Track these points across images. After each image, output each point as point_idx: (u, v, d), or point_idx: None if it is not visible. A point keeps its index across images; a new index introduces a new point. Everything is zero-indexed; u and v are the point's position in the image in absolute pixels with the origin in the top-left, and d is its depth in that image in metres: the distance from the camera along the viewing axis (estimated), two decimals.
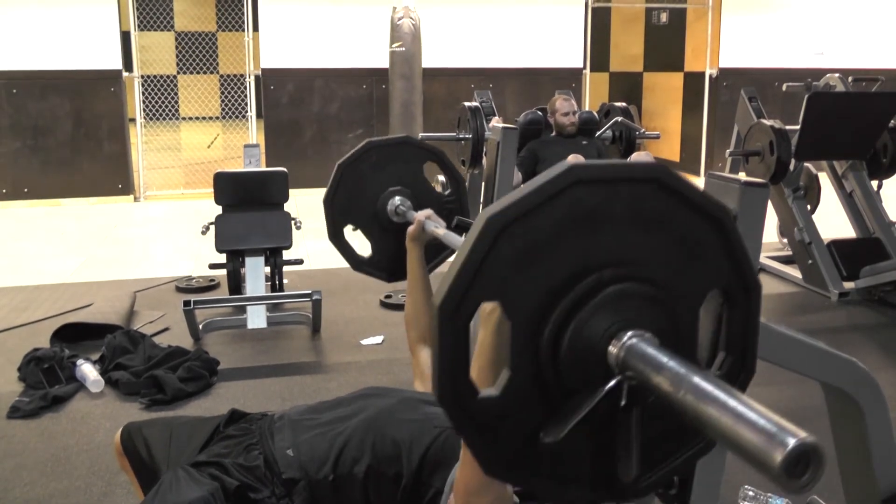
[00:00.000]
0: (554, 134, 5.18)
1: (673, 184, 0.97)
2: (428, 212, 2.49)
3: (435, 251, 2.65)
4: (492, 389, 0.96)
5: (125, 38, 8.55)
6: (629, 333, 0.93)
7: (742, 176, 1.85)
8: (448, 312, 0.91)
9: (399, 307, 4.69)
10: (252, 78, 9.00)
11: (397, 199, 2.64)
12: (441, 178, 4.56)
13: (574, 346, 0.95)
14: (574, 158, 4.58)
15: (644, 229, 0.98)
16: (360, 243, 2.80)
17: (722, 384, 0.84)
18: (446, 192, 2.77)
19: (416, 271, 2.50)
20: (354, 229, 2.72)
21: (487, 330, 1.36)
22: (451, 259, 0.98)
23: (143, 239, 6.89)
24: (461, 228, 2.84)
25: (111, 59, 8.36)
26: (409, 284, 2.52)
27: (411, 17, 8.14)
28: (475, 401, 0.95)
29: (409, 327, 2.52)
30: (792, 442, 0.76)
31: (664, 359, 0.89)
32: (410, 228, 2.49)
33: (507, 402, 0.96)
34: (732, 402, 0.81)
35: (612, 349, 0.94)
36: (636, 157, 4.85)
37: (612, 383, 0.94)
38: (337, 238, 2.69)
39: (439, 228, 2.40)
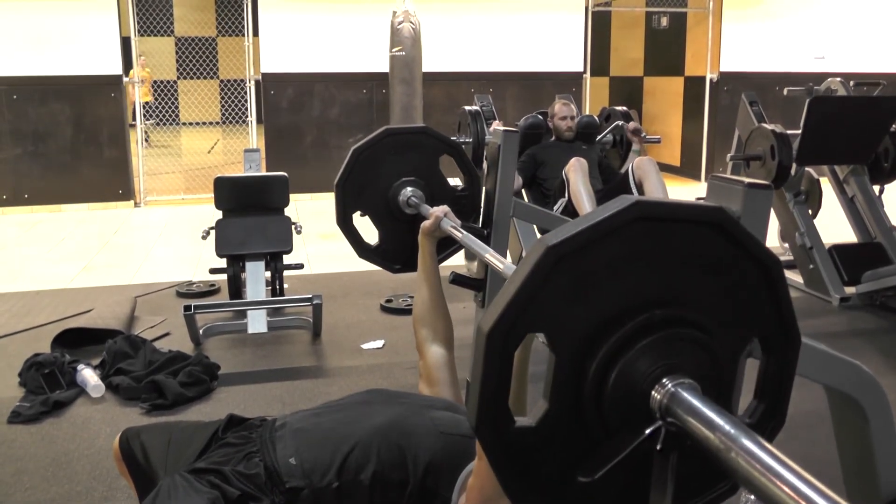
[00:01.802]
0: (553, 139, 5.16)
1: (732, 229, 0.96)
2: (445, 208, 2.43)
3: (442, 245, 2.60)
4: (527, 419, 0.95)
5: (125, 43, 8.56)
6: (674, 380, 0.93)
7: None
8: (496, 341, 0.90)
9: (399, 311, 4.69)
10: (252, 83, 9.00)
11: (410, 190, 2.60)
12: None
13: (619, 386, 0.94)
14: (577, 162, 4.58)
15: (696, 271, 0.97)
16: (367, 231, 2.78)
17: (772, 451, 0.85)
18: (460, 188, 2.74)
19: (427, 267, 2.44)
20: (363, 215, 2.69)
21: (524, 357, 1.34)
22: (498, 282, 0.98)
23: (143, 244, 6.89)
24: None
25: (111, 65, 8.36)
26: (419, 280, 2.46)
27: (411, 22, 8.14)
28: (511, 430, 0.94)
29: (417, 325, 2.43)
30: None
31: (711, 414, 0.89)
32: (426, 223, 2.42)
33: (542, 435, 0.95)
34: (788, 476, 0.84)
35: (656, 394, 0.93)
36: (638, 162, 4.81)
37: (652, 427, 0.94)
38: (345, 223, 2.66)
39: (456, 230, 2.35)
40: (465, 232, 2.33)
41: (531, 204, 4.73)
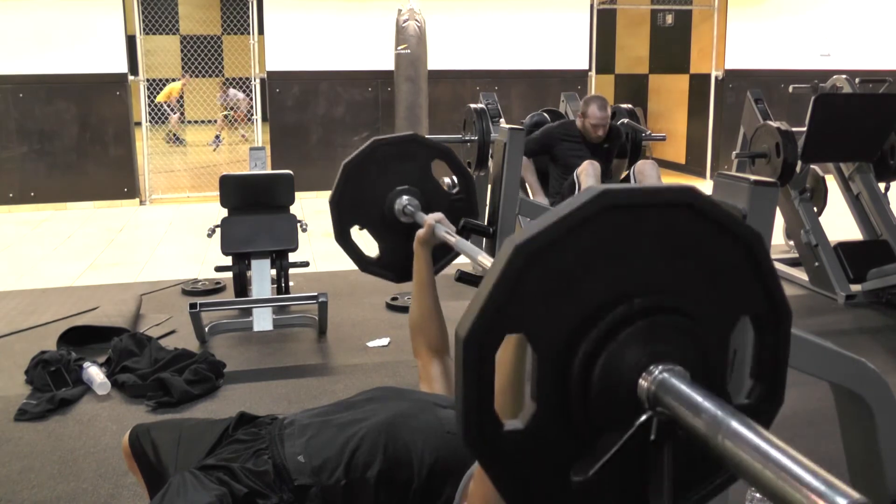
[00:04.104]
0: (580, 129, 4.97)
1: (704, 207, 0.94)
2: (438, 215, 2.43)
3: (441, 252, 2.60)
4: (516, 422, 0.94)
5: (131, 42, 8.57)
6: (660, 367, 0.91)
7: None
8: (473, 347, 0.88)
9: (405, 309, 4.68)
10: (257, 81, 9.01)
11: (405, 199, 2.60)
12: (447, 180, 4.55)
13: (604, 380, 0.92)
14: (590, 166, 4.56)
15: (674, 255, 0.95)
16: (367, 243, 2.79)
17: (761, 431, 0.82)
18: (454, 191, 2.74)
19: (423, 275, 2.45)
20: (361, 229, 2.69)
21: (506, 356, 1.33)
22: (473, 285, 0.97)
23: (148, 242, 6.90)
24: (468, 231, 2.83)
25: (117, 63, 8.38)
26: (415, 288, 2.47)
27: (416, 20, 8.14)
28: (500, 434, 0.92)
29: (414, 333, 2.46)
30: (844, 503, 0.73)
31: (698, 398, 0.87)
32: (420, 232, 2.43)
33: (533, 436, 0.94)
34: (776, 455, 0.80)
35: (643, 382, 0.91)
36: (641, 165, 4.80)
37: (643, 418, 0.92)
38: (343, 239, 2.66)
39: (451, 235, 2.35)
40: (459, 237, 2.33)
41: (538, 201, 4.73)
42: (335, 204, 2.60)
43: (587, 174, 4.59)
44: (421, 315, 2.42)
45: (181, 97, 14.34)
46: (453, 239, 2.29)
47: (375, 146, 2.60)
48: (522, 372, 1.30)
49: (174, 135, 13.93)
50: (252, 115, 13.55)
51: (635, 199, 0.92)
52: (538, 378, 0.93)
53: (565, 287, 0.91)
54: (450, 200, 2.69)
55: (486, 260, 1.98)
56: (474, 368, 0.89)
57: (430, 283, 2.45)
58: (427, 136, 5.42)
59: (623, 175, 5.07)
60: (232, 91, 14.44)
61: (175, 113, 13.76)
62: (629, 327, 0.92)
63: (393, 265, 2.67)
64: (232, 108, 13.95)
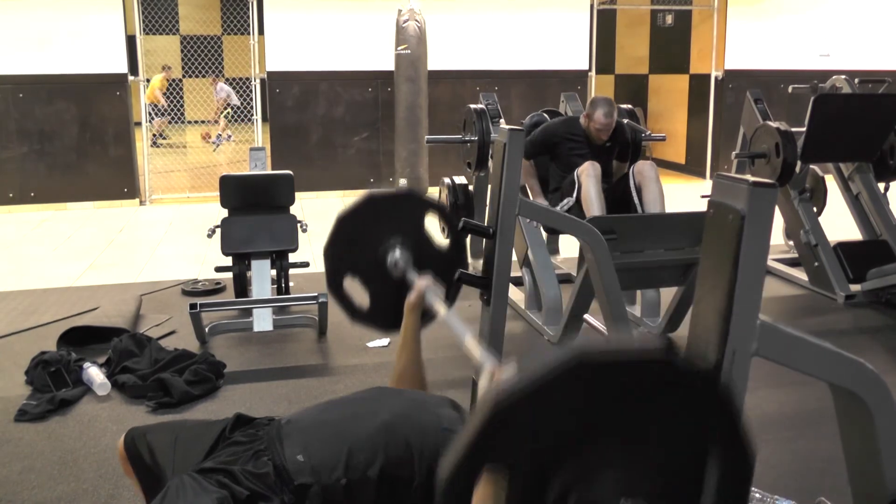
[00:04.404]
0: (584, 127, 4.92)
1: (673, 369, 1.00)
2: (428, 280, 2.45)
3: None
4: None
5: (131, 42, 8.57)
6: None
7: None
8: (453, 490, 0.97)
9: None
10: (257, 81, 9.01)
11: (397, 253, 2.61)
12: (446, 180, 4.56)
13: None
14: (591, 167, 4.55)
15: (643, 406, 1.00)
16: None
17: None
18: (445, 245, 2.74)
19: (409, 336, 2.47)
20: (353, 279, 2.69)
21: (482, 494, 1.38)
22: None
23: (148, 242, 6.90)
24: (467, 231, 2.83)
25: (116, 63, 8.38)
26: (400, 345, 2.49)
27: (416, 20, 8.14)
28: None
29: (394, 383, 2.47)
30: None
31: None
32: (410, 297, 2.45)
33: None
34: None
35: None
36: (640, 165, 4.80)
37: None
38: (335, 289, 2.67)
39: (439, 304, 2.35)
40: (448, 310, 2.33)
41: (538, 202, 4.73)
42: (328, 254, 2.62)
43: (588, 175, 4.58)
44: (403, 370, 2.45)
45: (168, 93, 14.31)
46: (442, 310, 2.29)
47: (370, 199, 2.62)
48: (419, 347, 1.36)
49: (160, 135, 13.83)
50: (231, 104, 13.58)
51: (607, 363, 0.98)
52: None
53: (539, 435, 0.98)
54: (441, 256, 2.70)
55: (472, 344, 1.98)
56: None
57: (416, 344, 2.48)
58: (426, 140, 5.43)
59: (622, 173, 5.05)
60: (220, 85, 14.46)
61: (160, 117, 13.69)
62: (600, 472, 0.99)
63: (383, 317, 2.68)
64: (228, 106, 13.97)
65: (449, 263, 2.71)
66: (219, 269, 4.87)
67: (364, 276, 2.65)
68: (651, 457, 1.00)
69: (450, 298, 2.66)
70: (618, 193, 4.77)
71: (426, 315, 2.53)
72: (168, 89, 14.25)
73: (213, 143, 13.63)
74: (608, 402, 0.98)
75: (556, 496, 0.97)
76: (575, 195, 4.68)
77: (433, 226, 2.71)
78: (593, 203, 4.51)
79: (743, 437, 1.06)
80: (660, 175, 4.79)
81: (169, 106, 13.32)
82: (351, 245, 2.60)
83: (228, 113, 13.81)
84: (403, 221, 2.64)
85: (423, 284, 2.43)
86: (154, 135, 13.77)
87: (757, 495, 2.58)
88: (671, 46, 11.14)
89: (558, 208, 4.70)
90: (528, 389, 0.95)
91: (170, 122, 13.33)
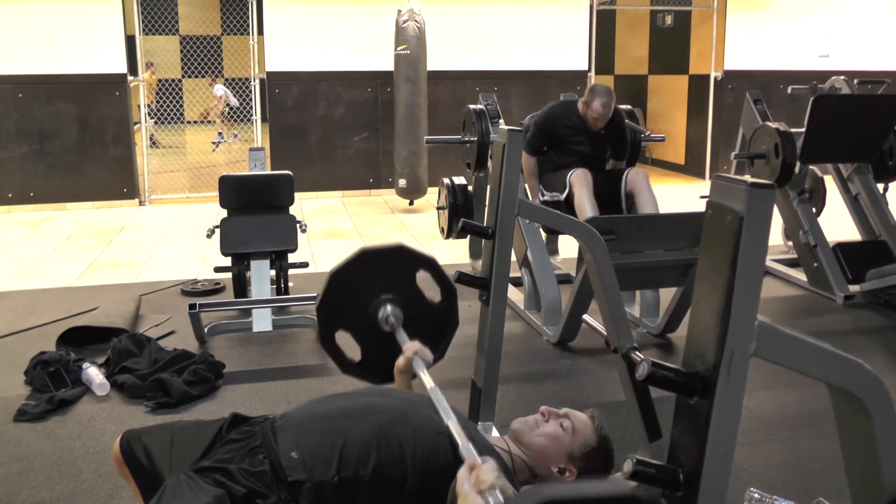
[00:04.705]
0: (581, 112, 4.97)
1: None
2: (416, 346, 2.42)
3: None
4: None
5: (130, 42, 8.57)
6: None
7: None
8: None
9: None
10: (257, 81, 9.01)
11: (388, 308, 2.61)
12: (445, 180, 4.56)
13: None
14: (583, 175, 4.58)
15: None
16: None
17: None
18: (437, 302, 2.74)
19: None
20: (345, 332, 2.69)
21: None
22: None
23: (148, 243, 6.90)
24: (468, 232, 2.83)
25: (116, 64, 8.38)
26: None
27: (416, 20, 8.15)
28: None
29: None
30: None
31: None
32: (399, 362, 2.42)
33: None
34: None
35: None
36: (633, 175, 4.81)
37: None
38: (327, 343, 2.66)
39: (425, 375, 2.30)
40: (433, 384, 2.29)
41: (536, 203, 4.73)
42: (321, 310, 2.62)
43: (580, 184, 4.63)
44: None
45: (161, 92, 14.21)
46: (429, 384, 2.24)
47: (362, 254, 2.62)
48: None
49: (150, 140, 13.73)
50: (229, 105, 13.54)
51: None
52: None
53: None
54: (432, 312, 2.69)
55: (456, 430, 1.96)
56: None
57: None
58: (425, 140, 5.43)
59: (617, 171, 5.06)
60: (217, 86, 14.44)
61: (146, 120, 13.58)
62: None
63: (374, 370, 2.68)
64: (227, 106, 13.96)
65: (441, 317, 2.71)
66: (218, 270, 4.87)
67: (355, 331, 2.65)
68: None
69: (441, 353, 2.66)
70: (608, 199, 4.80)
71: (414, 376, 2.52)
72: (159, 89, 14.16)
73: (214, 143, 13.62)
74: None
75: None
76: (564, 197, 4.72)
77: (425, 280, 2.70)
78: (587, 211, 4.55)
79: None
80: (659, 176, 4.82)
81: (159, 107, 13.21)
82: (343, 300, 2.60)
83: (226, 111, 13.80)
84: (395, 276, 2.64)
85: (410, 352, 2.40)
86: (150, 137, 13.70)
87: (756, 495, 2.58)
88: (671, 47, 11.14)
89: (544, 198, 4.79)
90: None
91: (156, 123, 13.16)
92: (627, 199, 4.80)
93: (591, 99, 4.89)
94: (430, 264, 2.72)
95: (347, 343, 2.66)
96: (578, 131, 4.92)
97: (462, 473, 1.59)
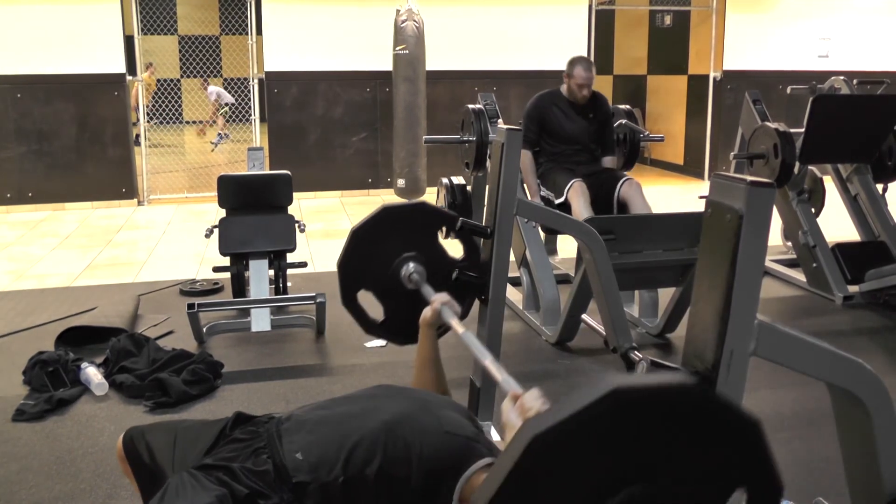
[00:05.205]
0: (565, 94, 5.05)
1: (710, 406, 1.01)
2: (444, 297, 2.43)
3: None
4: None
5: (129, 42, 8.56)
6: None
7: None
8: None
9: None
10: (256, 81, 9.00)
11: (411, 266, 2.60)
12: (444, 180, 4.56)
13: None
14: (579, 187, 4.60)
15: (676, 443, 1.01)
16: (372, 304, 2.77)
17: None
18: (460, 259, 2.73)
19: (427, 353, 2.45)
20: (366, 291, 2.68)
21: None
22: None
23: (146, 242, 6.89)
24: (466, 231, 2.83)
25: (115, 63, 8.37)
26: (418, 363, 2.47)
27: (415, 20, 8.14)
28: None
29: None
30: None
31: None
32: (426, 314, 2.43)
33: None
34: None
35: None
36: (626, 189, 4.82)
37: None
38: (349, 302, 2.66)
39: (456, 322, 2.33)
40: (465, 329, 2.30)
41: (535, 202, 4.74)
42: (342, 268, 2.61)
43: (577, 195, 4.65)
44: (425, 386, 2.42)
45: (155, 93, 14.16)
46: (460, 329, 2.26)
47: (384, 212, 2.61)
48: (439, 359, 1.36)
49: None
50: (225, 103, 13.49)
51: (643, 398, 0.98)
52: None
53: (574, 471, 0.98)
54: (455, 267, 2.69)
55: (494, 367, 1.97)
56: None
57: (435, 360, 2.46)
58: (424, 140, 5.43)
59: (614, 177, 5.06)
60: (210, 87, 14.41)
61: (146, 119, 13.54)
62: None
63: (398, 329, 2.67)
64: (223, 105, 13.92)
65: (464, 277, 2.71)
66: (217, 269, 4.86)
67: (378, 290, 2.64)
68: (680, 496, 1.01)
69: (466, 310, 2.66)
70: (601, 207, 4.82)
71: (440, 328, 2.52)
72: (158, 89, 14.09)
73: (213, 143, 13.60)
74: (643, 436, 0.98)
75: None
76: (562, 200, 4.74)
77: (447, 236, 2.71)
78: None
79: (773, 473, 1.07)
80: (658, 176, 4.84)
81: (155, 106, 13.15)
82: (365, 258, 2.59)
83: (226, 111, 13.77)
84: (417, 234, 2.63)
85: (438, 301, 2.41)
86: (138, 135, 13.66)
87: None
88: (670, 47, 11.14)
89: (541, 193, 4.86)
90: (565, 422, 0.95)
91: (156, 124, 13.10)
92: (620, 208, 4.82)
93: (571, 69, 5.05)
94: (452, 221, 2.71)
95: (369, 304, 2.65)
96: (567, 115, 5.01)
97: (506, 405, 1.60)
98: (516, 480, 0.94)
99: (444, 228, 2.80)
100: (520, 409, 1.55)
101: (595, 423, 0.95)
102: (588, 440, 0.96)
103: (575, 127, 5.00)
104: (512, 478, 0.94)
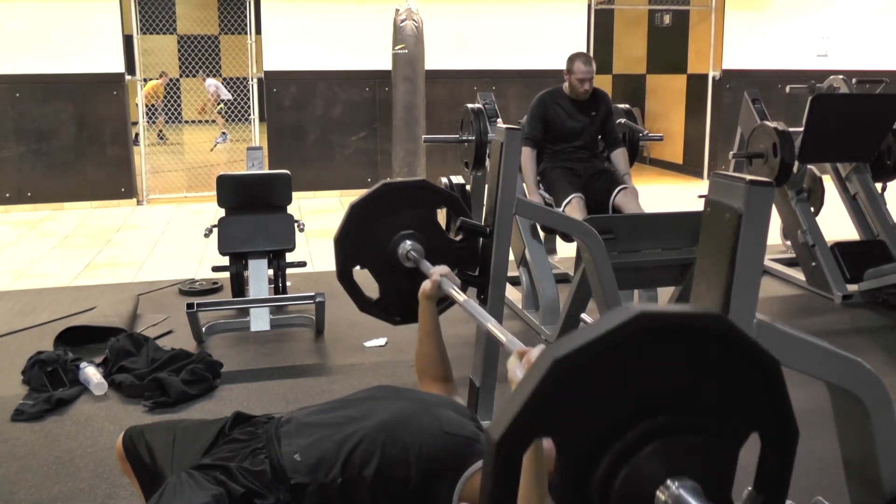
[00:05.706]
0: (567, 92, 5.05)
1: (733, 336, 0.99)
2: (444, 269, 2.42)
3: (444, 297, 2.57)
4: None
5: (128, 41, 8.56)
6: (676, 483, 0.97)
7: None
8: (506, 449, 0.93)
9: None
10: (255, 81, 9.00)
11: (409, 244, 2.58)
12: (444, 180, 4.56)
13: (624, 490, 0.97)
14: (578, 203, 4.61)
15: (698, 375, 1.00)
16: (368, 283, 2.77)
17: None
18: (458, 238, 2.72)
19: (429, 326, 2.45)
20: (362, 268, 2.68)
21: (530, 458, 1.37)
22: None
23: (145, 242, 6.89)
24: (465, 231, 2.83)
25: (114, 63, 8.37)
26: (421, 337, 2.46)
27: (414, 20, 8.14)
28: None
29: (420, 375, 2.47)
30: None
31: None
32: (426, 287, 2.42)
33: None
34: None
35: (661, 495, 0.97)
36: (622, 198, 4.81)
37: None
38: (345, 278, 2.65)
39: (457, 292, 2.33)
40: (466, 296, 2.31)
41: (534, 201, 4.73)
42: (339, 243, 2.59)
43: (574, 214, 4.65)
44: (427, 361, 2.43)
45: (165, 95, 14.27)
46: (461, 297, 2.26)
47: (385, 188, 2.60)
48: (544, 475, 1.36)
49: (159, 133, 13.87)
50: (222, 99, 13.52)
51: (669, 324, 0.96)
52: (562, 483, 0.98)
53: (596, 399, 0.96)
54: (453, 247, 2.68)
55: (496, 328, 1.97)
56: (504, 469, 0.94)
57: (436, 332, 2.45)
58: (423, 140, 5.43)
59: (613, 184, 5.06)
60: (208, 81, 14.41)
61: (160, 115, 13.69)
62: (651, 443, 0.97)
63: (393, 307, 2.66)
64: (220, 101, 13.92)
65: (461, 256, 2.70)
66: (216, 269, 4.86)
67: (375, 267, 2.63)
68: (700, 431, 1.00)
69: (463, 290, 2.65)
70: (597, 204, 4.82)
71: (439, 304, 2.52)
72: (165, 89, 14.17)
73: (217, 142, 13.60)
74: (666, 365, 0.97)
75: (605, 470, 0.97)
76: (561, 210, 4.75)
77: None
78: None
79: (788, 414, 1.06)
80: (657, 175, 4.84)
81: (153, 110, 13.23)
82: (362, 235, 2.58)
83: (222, 109, 13.77)
84: (416, 212, 2.62)
85: (438, 272, 2.41)
86: (160, 133, 13.78)
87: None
88: (669, 46, 11.14)
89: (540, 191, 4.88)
90: (589, 345, 0.93)
91: (166, 122, 13.23)
92: (615, 212, 4.82)
93: (571, 65, 5.02)
94: (453, 202, 2.70)
95: (364, 282, 2.64)
96: (569, 113, 4.99)
97: (512, 362, 1.59)
98: (534, 408, 0.92)
99: (447, 224, 2.79)
100: (527, 364, 1.54)
101: (619, 349, 0.93)
102: (611, 367, 0.94)
103: (577, 125, 4.99)
104: (530, 405, 0.92)
